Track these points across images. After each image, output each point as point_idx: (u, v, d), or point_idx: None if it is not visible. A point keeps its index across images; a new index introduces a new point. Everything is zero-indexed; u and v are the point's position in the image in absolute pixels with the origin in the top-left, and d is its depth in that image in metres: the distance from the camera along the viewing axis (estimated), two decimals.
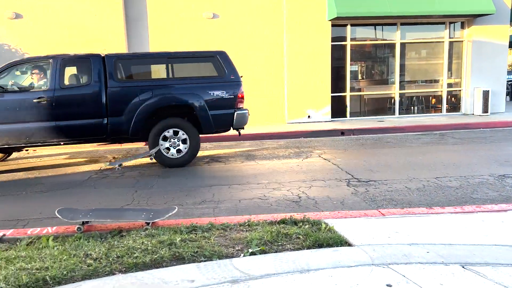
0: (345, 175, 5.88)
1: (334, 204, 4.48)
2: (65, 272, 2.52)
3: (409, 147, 8.20)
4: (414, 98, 13.02)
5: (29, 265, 2.60)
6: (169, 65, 6.90)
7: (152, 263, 2.68)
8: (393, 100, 12.79)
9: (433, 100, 13.10)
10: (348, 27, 12.21)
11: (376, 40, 12.64)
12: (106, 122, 6.60)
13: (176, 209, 3.53)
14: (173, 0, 11.51)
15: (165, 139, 6.76)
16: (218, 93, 6.80)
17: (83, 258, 2.71)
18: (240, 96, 6.95)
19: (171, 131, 6.75)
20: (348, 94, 12.51)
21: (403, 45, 12.53)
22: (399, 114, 12.74)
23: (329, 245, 2.92)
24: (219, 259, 2.73)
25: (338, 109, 12.47)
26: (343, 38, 12.32)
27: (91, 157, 8.26)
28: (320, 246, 2.92)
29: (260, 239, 2.97)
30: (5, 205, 4.92)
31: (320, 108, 12.12)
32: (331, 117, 12.25)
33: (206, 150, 8.72)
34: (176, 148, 6.81)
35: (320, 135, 10.28)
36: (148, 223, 3.41)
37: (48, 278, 2.44)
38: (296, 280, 2.42)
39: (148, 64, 7.32)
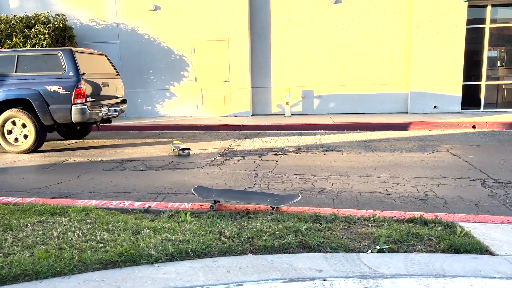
0: (479, 174, 5.33)
1: (467, 206, 4.10)
2: (203, 247, 2.76)
3: None
4: None
5: (173, 236, 2.92)
6: (18, 62, 7.60)
7: (280, 248, 2.79)
8: None
9: None
10: (488, 8, 10.88)
11: None
12: None
13: (299, 197, 3.59)
14: None
15: (11, 128, 7.65)
16: (55, 89, 7.39)
17: (218, 236, 2.94)
18: (77, 91, 7.37)
19: (15, 121, 7.59)
20: (483, 83, 11.23)
21: None
22: None
23: (467, 251, 2.69)
24: (346, 252, 2.71)
25: (470, 99, 11.31)
26: (481, 21, 11.03)
27: (216, 139, 8.85)
28: (456, 251, 2.70)
29: (388, 237, 2.86)
30: (148, 179, 5.56)
31: (449, 98, 11.12)
32: (461, 108, 11.17)
33: (321, 137, 8.68)
34: (20, 136, 7.67)
35: (447, 127, 9.46)
36: (273, 208, 3.54)
37: (189, 251, 2.70)
38: (431, 285, 2.28)
39: (2, 61, 7.71)
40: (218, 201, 3.69)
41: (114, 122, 11.37)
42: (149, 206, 3.79)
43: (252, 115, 12.31)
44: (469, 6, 10.81)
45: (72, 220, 3.31)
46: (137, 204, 3.90)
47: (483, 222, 3.27)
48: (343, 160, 6.45)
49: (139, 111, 12.61)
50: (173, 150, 7.52)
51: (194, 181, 5.34)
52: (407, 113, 11.42)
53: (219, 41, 11.84)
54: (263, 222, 3.20)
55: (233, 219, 3.40)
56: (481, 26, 11.04)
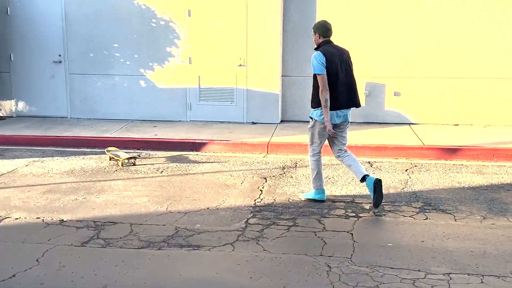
0: None
1: None
2: None
3: None
4: None
5: None
6: None
7: None
8: None
9: None
10: None
11: None
12: None
13: None
14: None
15: None
16: None
17: None
18: None
19: None
20: None
21: None
22: None
23: None
24: None
25: None
26: None
27: (235, 173, 8.79)
28: None
29: None
30: (155, 273, 5.46)
31: None
32: None
33: (408, 176, 8.65)
34: None
35: None
36: None
37: None
38: None
39: None
40: None
41: (56, 133, 11.30)
42: None
43: (281, 121, 12.31)
44: None
45: None
46: None
47: None
48: (461, 236, 6.41)
49: (93, 109, 12.64)
50: (110, 158, 9.38)
51: (231, 281, 5.24)
52: None
53: None
54: None
55: None
56: None
